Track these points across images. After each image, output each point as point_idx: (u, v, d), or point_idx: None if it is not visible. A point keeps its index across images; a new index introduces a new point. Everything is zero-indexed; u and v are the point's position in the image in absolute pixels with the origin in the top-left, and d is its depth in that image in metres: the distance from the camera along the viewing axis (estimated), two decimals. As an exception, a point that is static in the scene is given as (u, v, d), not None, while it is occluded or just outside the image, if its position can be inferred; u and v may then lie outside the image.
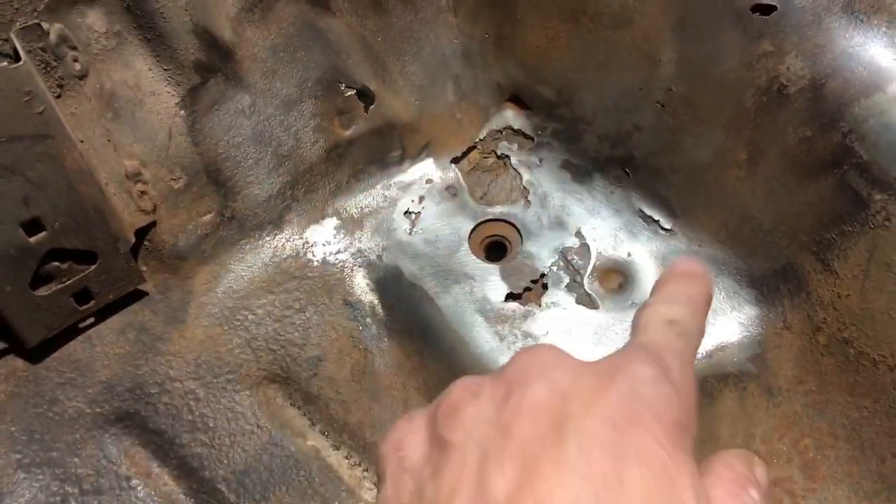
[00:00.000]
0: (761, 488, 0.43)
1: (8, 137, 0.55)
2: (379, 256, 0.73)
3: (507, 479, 0.34)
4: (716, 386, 0.63)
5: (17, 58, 0.56)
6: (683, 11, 0.64)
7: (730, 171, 0.66)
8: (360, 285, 0.72)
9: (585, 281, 0.70)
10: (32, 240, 0.59)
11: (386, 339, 0.70)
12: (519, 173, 0.78)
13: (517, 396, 0.36)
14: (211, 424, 0.66)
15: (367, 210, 0.76)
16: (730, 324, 0.66)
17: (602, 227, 0.73)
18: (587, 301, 0.69)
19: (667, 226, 0.71)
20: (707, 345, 0.66)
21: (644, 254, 0.71)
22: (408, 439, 0.40)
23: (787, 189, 0.63)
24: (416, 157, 0.78)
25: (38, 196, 0.58)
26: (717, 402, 0.63)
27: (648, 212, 0.72)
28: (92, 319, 0.67)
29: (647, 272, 0.70)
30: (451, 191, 0.77)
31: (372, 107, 0.74)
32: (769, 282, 0.66)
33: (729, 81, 0.63)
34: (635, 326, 0.43)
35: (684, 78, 0.66)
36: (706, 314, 0.45)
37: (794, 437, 0.61)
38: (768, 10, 0.60)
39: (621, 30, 0.68)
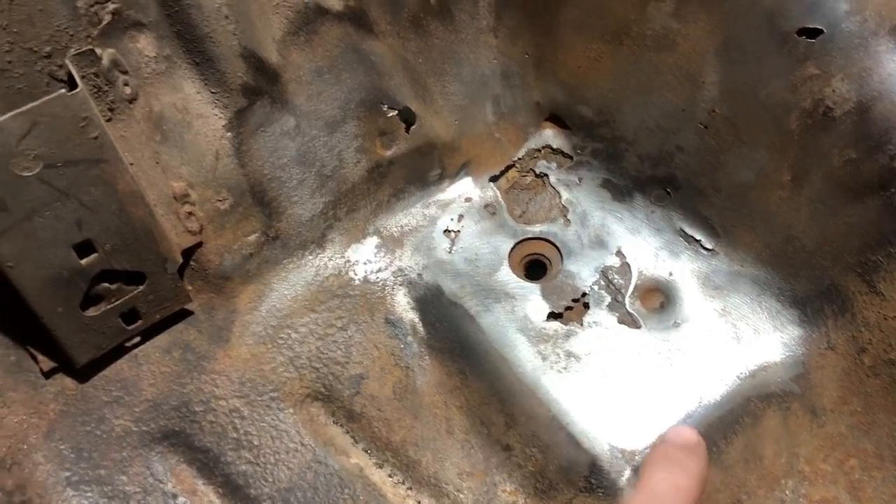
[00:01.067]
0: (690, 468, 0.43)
1: (64, 162, 0.56)
2: (419, 275, 0.74)
3: None
4: (759, 406, 0.63)
5: (71, 83, 0.57)
6: (727, 34, 0.64)
7: (773, 192, 0.66)
8: (402, 304, 0.72)
9: (627, 300, 0.70)
10: (84, 262, 0.60)
11: (427, 357, 0.70)
12: (558, 192, 0.78)
13: None
14: (255, 442, 0.66)
15: (407, 229, 0.76)
16: (773, 344, 0.66)
17: (643, 246, 0.73)
18: (629, 320, 0.69)
19: (708, 245, 0.71)
20: (750, 364, 0.66)
21: (686, 273, 0.71)
22: None
23: (831, 210, 0.63)
24: (455, 176, 0.79)
25: (90, 219, 0.58)
26: (761, 421, 0.63)
27: (690, 231, 0.72)
28: (139, 339, 0.67)
29: (689, 292, 0.70)
30: (490, 209, 0.78)
31: (413, 127, 0.75)
32: (813, 302, 0.66)
33: (773, 104, 0.64)
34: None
35: (728, 100, 0.66)
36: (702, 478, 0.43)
37: (840, 457, 0.61)
38: (815, 33, 0.60)
39: (664, 52, 0.68)
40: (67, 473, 0.64)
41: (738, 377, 0.65)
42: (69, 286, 0.60)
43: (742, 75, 0.65)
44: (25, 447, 0.64)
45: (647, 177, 0.75)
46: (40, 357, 0.64)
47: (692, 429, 0.45)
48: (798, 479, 0.61)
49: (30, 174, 0.55)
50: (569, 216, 0.76)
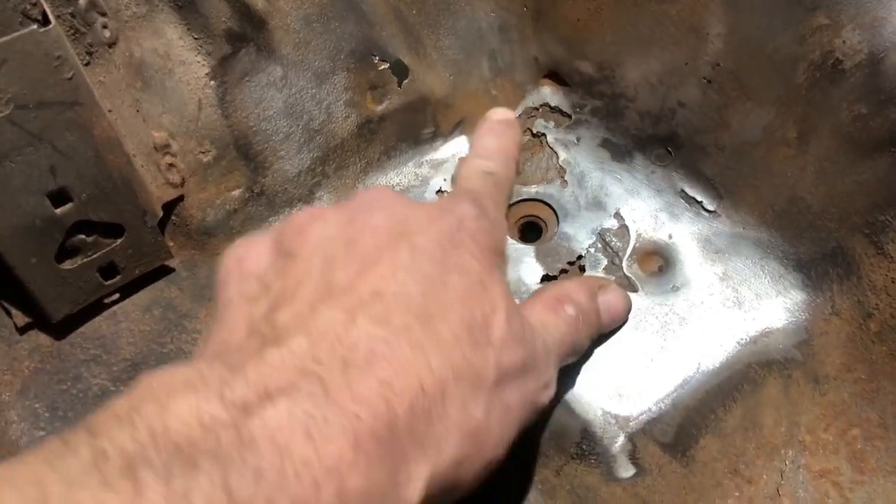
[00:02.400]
0: (590, 310, 0.55)
1: (36, 104, 0.53)
2: (411, 235, 0.71)
3: (347, 273, 0.39)
4: (759, 373, 0.61)
5: (45, 22, 0.55)
6: (735, -18, 0.62)
7: (778, 150, 0.63)
8: (391, 265, 0.70)
9: (624, 263, 0.68)
10: (59, 211, 0.57)
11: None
12: (555, 152, 0.75)
13: (360, 219, 0.43)
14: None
15: (398, 188, 0.74)
16: (775, 309, 0.64)
17: (642, 207, 0.71)
18: (626, 284, 0.67)
19: (710, 207, 0.68)
20: (751, 330, 0.63)
21: (686, 236, 0.68)
22: (252, 253, 0.44)
23: (839, 168, 0.61)
24: (449, 134, 0.76)
25: (65, 166, 0.56)
26: (761, 389, 0.61)
27: (691, 192, 0.69)
28: (117, 295, 0.65)
29: (689, 255, 0.67)
30: (484, 169, 0.75)
31: (405, 81, 0.72)
32: (817, 266, 0.63)
33: (780, 57, 0.61)
34: (457, 177, 0.52)
35: (733, 53, 0.63)
36: (517, 161, 0.55)
37: (842, 427, 0.59)
38: (825, -20, 0.58)
39: (667, 2, 0.65)
40: (41, 433, 0.61)
41: (738, 343, 0.63)
42: (43, 236, 0.57)
43: (748, 27, 0.62)
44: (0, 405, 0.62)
45: (648, 135, 0.72)
46: (14, 311, 0.62)
47: (506, 109, 0.58)
48: (798, 448, 0.58)
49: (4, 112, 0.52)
50: (566, 177, 0.74)
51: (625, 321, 0.62)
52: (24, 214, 0.56)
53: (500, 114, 0.57)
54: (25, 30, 0.52)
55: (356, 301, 0.38)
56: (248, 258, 0.43)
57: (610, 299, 0.59)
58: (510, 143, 0.55)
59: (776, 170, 0.64)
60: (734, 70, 0.64)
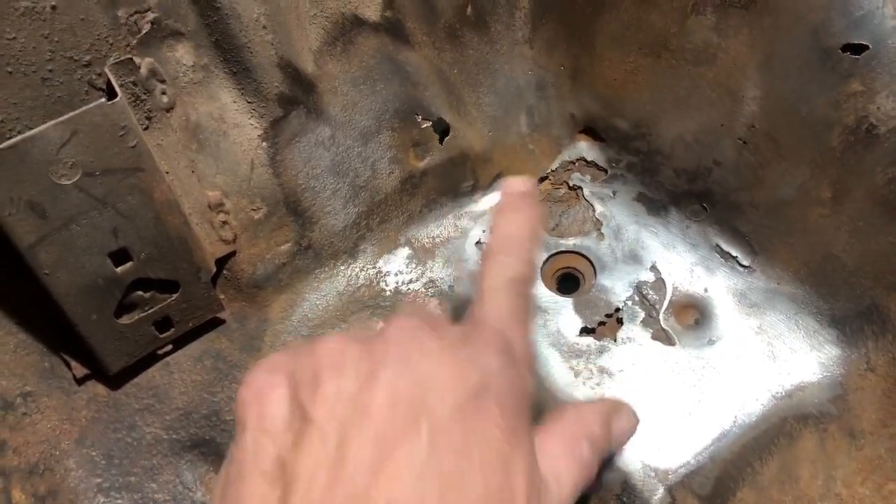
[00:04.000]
0: (603, 441, 0.51)
1: (102, 171, 0.56)
2: (451, 287, 0.73)
3: (364, 464, 0.37)
4: (795, 426, 0.62)
5: (111, 92, 0.58)
6: (769, 49, 0.63)
7: (813, 209, 0.65)
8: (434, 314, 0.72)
9: (661, 316, 0.70)
10: (119, 270, 0.60)
11: (458, 370, 0.69)
12: (592, 205, 0.77)
13: (379, 379, 0.39)
14: (285, 452, 0.66)
15: (438, 240, 0.76)
16: (810, 364, 0.65)
17: (678, 261, 0.72)
18: (663, 337, 0.68)
19: (745, 262, 0.70)
20: (787, 384, 0.65)
21: (721, 290, 0.70)
22: (270, 395, 0.41)
23: (873, 229, 0.62)
24: (488, 187, 0.78)
25: (126, 227, 0.59)
26: (797, 442, 0.62)
27: (726, 247, 0.71)
28: (171, 347, 0.67)
29: (725, 309, 0.69)
30: (522, 222, 0.77)
31: (447, 138, 0.74)
32: (852, 322, 0.65)
33: (815, 120, 0.62)
34: (482, 283, 0.48)
35: (768, 115, 0.65)
36: (537, 238, 0.53)
37: (878, 481, 0.60)
38: (860, 49, 0.59)
39: (704, 66, 0.67)
40: (98, 480, 0.64)
41: (773, 397, 0.64)
42: (104, 294, 0.60)
43: (783, 91, 0.63)
44: (58, 453, 0.64)
45: (683, 191, 0.74)
46: (73, 363, 0.65)
47: (524, 179, 0.55)
48: (835, 502, 0.59)
49: (68, 182, 0.55)
50: (602, 230, 0.75)
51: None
52: (87, 274, 0.58)
53: (517, 185, 0.55)
54: (94, 103, 0.54)
55: None
56: (265, 398, 0.42)
57: (623, 426, 0.54)
58: (529, 221, 0.52)
59: (811, 228, 0.66)
60: (769, 131, 0.65)
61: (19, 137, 0.52)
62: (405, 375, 0.40)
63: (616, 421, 0.54)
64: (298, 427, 0.40)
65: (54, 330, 0.64)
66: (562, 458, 0.47)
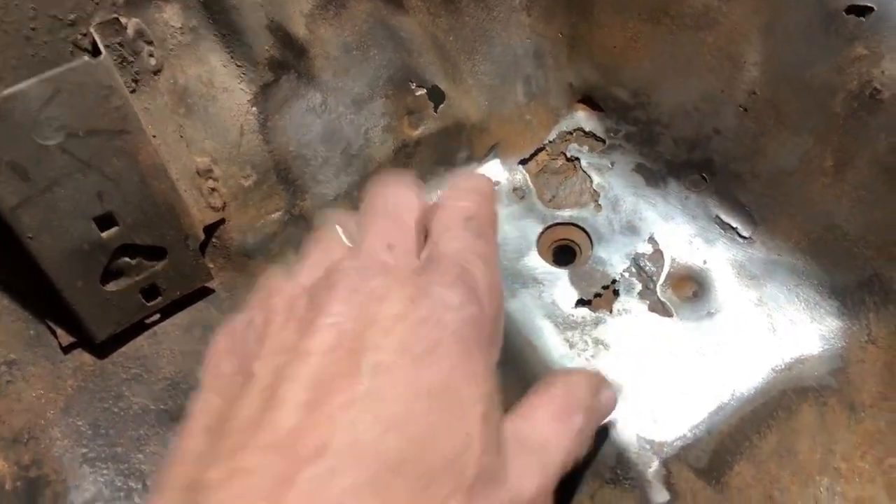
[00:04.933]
0: (594, 412, 0.49)
1: (86, 132, 0.54)
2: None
3: (294, 408, 0.35)
4: (794, 400, 0.61)
5: (95, 52, 0.56)
6: (772, 13, 0.61)
7: (815, 179, 0.63)
8: (426, 287, 0.71)
9: (658, 288, 0.68)
10: (105, 235, 0.59)
11: (450, 342, 0.68)
12: (589, 176, 0.76)
13: (318, 322, 0.38)
14: (273, 424, 0.65)
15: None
16: (810, 336, 0.64)
17: (677, 232, 0.71)
18: (660, 309, 0.67)
19: (745, 233, 0.69)
20: (786, 357, 0.63)
21: (720, 262, 0.69)
22: (223, 356, 0.42)
23: (876, 197, 0.61)
24: (483, 158, 0.77)
25: (112, 191, 0.57)
26: (796, 416, 0.61)
27: (726, 219, 0.70)
28: (158, 316, 0.66)
29: (724, 280, 0.68)
30: (518, 193, 0.76)
31: (441, 106, 0.73)
32: (853, 294, 0.63)
33: (817, 86, 0.61)
34: (433, 232, 0.45)
35: (770, 81, 0.64)
36: (495, 203, 0.49)
37: (878, 455, 0.59)
38: (864, 11, 0.58)
39: (704, 31, 0.66)
40: (84, 450, 0.63)
41: (773, 369, 0.63)
42: (89, 259, 0.59)
43: (786, 56, 0.62)
44: (43, 422, 0.63)
45: (683, 161, 0.72)
46: (59, 331, 0.63)
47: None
48: (833, 476, 0.58)
49: (52, 143, 0.54)
50: (600, 201, 0.74)
51: None
52: (71, 238, 0.57)
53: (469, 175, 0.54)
54: (78, 61, 0.53)
55: (294, 457, 0.33)
56: (218, 361, 0.42)
57: (607, 398, 0.52)
58: (486, 184, 0.50)
59: (812, 198, 0.64)
60: (771, 98, 0.64)
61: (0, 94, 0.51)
62: (346, 315, 0.38)
63: (602, 392, 0.51)
64: (242, 382, 0.38)
65: (39, 297, 0.62)
66: (551, 423, 0.45)
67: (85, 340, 0.64)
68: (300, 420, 0.34)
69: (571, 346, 0.66)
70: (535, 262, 0.71)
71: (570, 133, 0.78)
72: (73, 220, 0.57)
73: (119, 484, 0.63)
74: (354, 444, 0.33)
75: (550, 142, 0.78)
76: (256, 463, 0.33)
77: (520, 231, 0.73)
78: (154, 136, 0.60)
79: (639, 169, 0.75)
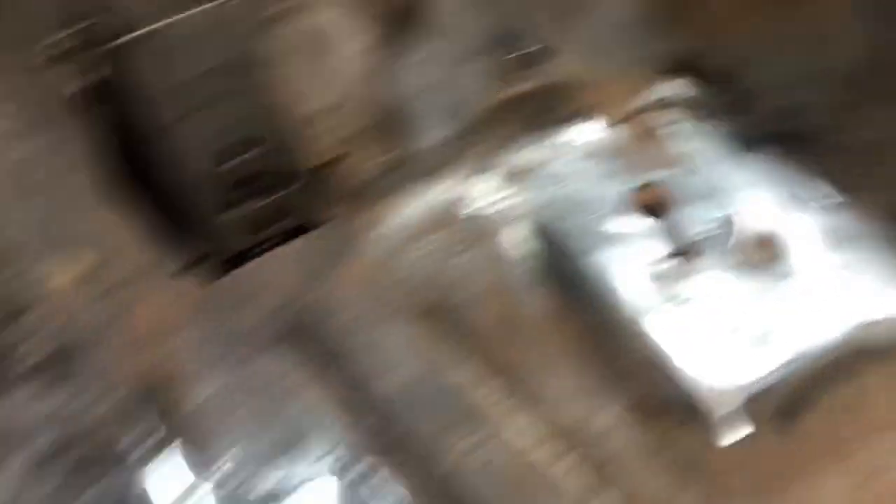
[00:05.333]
0: None
1: (234, 64, 0.60)
2: (539, 209, 0.77)
3: None
4: (867, 359, 0.64)
5: (240, -6, 0.62)
6: (874, -10, 0.65)
7: (905, 151, 0.67)
8: (519, 234, 0.76)
9: (742, 248, 0.72)
10: (238, 160, 0.65)
11: (540, 287, 0.73)
12: (683, 139, 0.80)
13: None
14: (374, 347, 0.71)
15: (529, 163, 0.79)
16: (889, 301, 0.67)
17: (763, 197, 0.74)
18: (742, 267, 0.71)
19: (831, 201, 0.71)
20: (861, 319, 0.66)
21: (805, 226, 0.72)
22: None
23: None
24: (581, 116, 0.81)
25: (250, 120, 0.64)
26: (867, 373, 0.64)
27: (814, 186, 0.73)
28: (276, 241, 0.73)
29: (806, 244, 0.71)
30: (612, 152, 0.80)
31: (545, 65, 0.77)
32: (936, 264, 0.66)
33: (914, 61, 0.64)
34: None
35: (868, 57, 0.66)
36: None
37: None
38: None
39: (806, 5, 0.68)
40: (201, 356, 0.69)
41: (848, 329, 0.66)
42: (222, 182, 0.65)
43: (886, 34, 0.65)
44: (165, 330, 0.70)
45: (775, 130, 0.75)
46: (186, 249, 0.70)
47: None
48: (898, 432, 0.61)
49: (202, 70, 0.60)
50: (691, 164, 0.78)
51: None
52: (209, 160, 0.64)
53: None
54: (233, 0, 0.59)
55: None
56: None
57: None
58: None
59: (901, 170, 0.67)
60: (866, 73, 0.67)
61: (165, 22, 0.57)
62: None
63: None
64: None
65: (174, 216, 0.69)
66: None
67: (208, 258, 0.71)
68: None
69: (653, 296, 0.70)
70: (625, 219, 0.75)
71: (667, 98, 0.82)
72: (212, 143, 0.63)
73: (231, 390, 0.69)
74: None
75: (647, 105, 0.81)
76: None
77: (611, 188, 0.77)
78: (287, 76, 0.65)
79: (731, 135, 0.78)
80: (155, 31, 0.57)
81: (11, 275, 0.60)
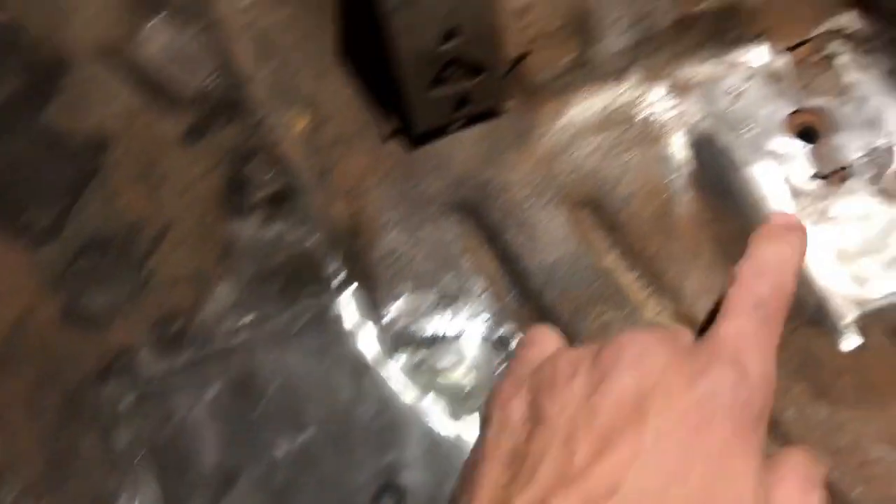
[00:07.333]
0: (823, 491, 0.48)
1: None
2: (699, 121, 0.83)
3: (586, 453, 0.40)
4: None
5: None
6: None
7: None
8: (678, 143, 0.83)
9: (887, 177, 0.77)
10: (445, 46, 0.74)
11: (691, 190, 0.80)
12: (845, 71, 0.83)
13: (609, 382, 0.43)
14: (532, 227, 0.80)
15: (697, 79, 0.85)
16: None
17: (917, 135, 0.78)
18: (885, 195, 0.76)
19: None
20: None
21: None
22: (512, 401, 0.47)
23: None
24: (751, 40, 0.86)
25: (460, 10, 0.72)
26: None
27: (968, 128, 0.77)
28: (462, 122, 0.83)
29: (952, 184, 0.76)
30: (776, 76, 0.84)
31: (725, -12, 0.83)
32: None
33: None
34: (723, 306, 0.48)
35: None
36: (797, 274, 0.51)
37: None
38: None
39: None
40: (390, 214, 0.81)
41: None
42: (429, 64, 0.75)
43: None
44: (364, 186, 0.82)
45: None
46: (387, 119, 0.81)
47: (791, 215, 0.56)
48: None
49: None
50: (850, 94, 0.82)
51: None
52: (423, 43, 0.73)
53: (783, 217, 0.55)
54: None
55: (591, 493, 0.38)
56: (508, 406, 0.47)
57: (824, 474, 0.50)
58: (791, 255, 0.51)
59: None
60: None
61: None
62: (633, 379, 0.42)
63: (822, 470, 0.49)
64: (533, 426, 0.44)
65: (378, 89, 0.80)
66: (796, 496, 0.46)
67: (404, 131, 0.81)
68: (593, 465, 0.39)
69: (799, 210, 0.76)
70: (779, 139, 0.81)
71: (837, 31, 0.85)
72: (429, 27, 0.72)
73: (409, 247, 0.81)
74: (642, 490, 0.38)
75: (817, 35, 0.85)
76: (559, 497, 0.39)
77: (770, 109, 0.83)
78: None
79: (892, 73, 0.82)
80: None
81: (252, 122, 0.73)
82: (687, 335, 0.50)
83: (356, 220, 0.80)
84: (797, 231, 0.53)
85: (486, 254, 0.81)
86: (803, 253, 0.53)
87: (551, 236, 0.81)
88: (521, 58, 0.81)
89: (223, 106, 0.70)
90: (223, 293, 0.75)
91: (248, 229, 0.74)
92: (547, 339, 0.56)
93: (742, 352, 0.44)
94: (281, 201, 0.75)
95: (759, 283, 0.49)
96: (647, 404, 0.41)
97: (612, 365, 0.44)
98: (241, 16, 0.70)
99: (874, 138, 0.79)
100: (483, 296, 0.79)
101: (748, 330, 0.46)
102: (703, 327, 0.50)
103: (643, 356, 0.44)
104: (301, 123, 0.76)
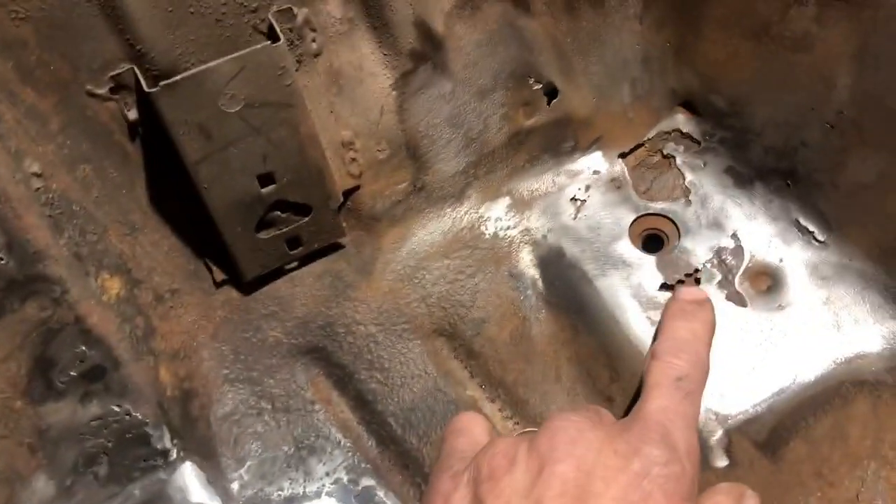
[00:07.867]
0: None
1: (260, 104, 0.65)
2: (544, 236, 0.81)
3: None
4: (851, 390, 0.68)
5: (272, 36, 0.67)
6: (864, 42, 0.67)
7: (890, 195, 0.70)
8: (525, 260, 0.80)
9: (737, 280, 0.76)
10: (264, 190, 0.70)
11: (544, 310, 0.77)
12: (682, 173, 0.83)
13: (547, 472, 0.43)
14: (386, 365, 0.76)
15: (537, 193, 0.83)
16: (872, 336, 0.71)
17: (758, 232, 0.78)
18: (736, 299, 0.75)
19: (821, 238, 0.75)
20: (847, 352, 0.70)
21: (795, 261, 0.76)
22: (453, 499, 0.46)
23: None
24: (586, 149, 0.85)
25: (274, 154, 0.68)
26: (851, 405, 0.67)
27: (804, 223, 0.76)
28: (297, 263, 0.77)
29: (797, 279, 0.75)
30: (615, 183, 0.84)
31: (554, 101, 0.81)
32: (918, 302, 0.70)
33: (900, 110, 0.67)
34: (647, 380, 0.50)
35: (856, 103, 0.70)
36: (710, 346, 0.54)
37: (925, 448, 0.65)
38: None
39: (801, 53, 0.72)
40: (226, 371, 0.75)
41: (833, 361, 0.70)
42: (249, 210, 0.70)
43: (873, 82, 0.68)
44: (195, 344, 0.75)
45: (770, 168, 0.79)
46: (214, 269, 0.75)
47: (698, 288, 0.58)
48: (881, 462, 0.65)
49: (232, 111, 0.64)
50: (690, 197, 0.82)
51: None
52: (237, 191, 0.68)
53: (691, 294, 0.56)
54: (261, 45, 0.64)
55: None
56: (451, 499, 0.46)
57: None
58: (702, 330, 0.54)
59: (887, 212, 0.70)
60: (856, 119, 0.70)
61: (199, 69, 0.62)
62: (571, 466, 0.43)
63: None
64: None
65: (201, 239, 0.74)
66: None
67: (235, 278, 0.76)
68: None
69: (652, 323, 0.74)
70: (626, 248, 0.79)
71: (669, 133, 0.85)
72: (240, 175, 0.68)
73: (252, 403, 0.74)
74: None
75: (649, 139, 0.85)
76: None
77: (614, 218, 0.82)
78: (310, 110, 0.70)
79: (728, 171, 0.82)
80: (187, 77, 0.61)
81: (53, 296, 0.65)
82: (608, 414, 0.50)
83: (188, 384, 0.73)
84: (705, 305, 0.55)
85: (339, 400, 0.75)
86: (714, 325, 0.55)
87: (407, 372, 0.76)
88: (353, 190, 0.77)
89: (17, 284, 0.62)
90: (40, 487, 0.66)
91: (63, 412, 0.66)
92: (476, 426, 0.55)
93: (669, 427, 0.46)
94: (97, 377, 0.67)
95: (677, 360, 0.51)
96: (588, 489, 0.42)
97: (548, 453, 0.45)
98: (32, 180, 0.63)
99: (719, 239, 0.79)
100: (339, 448, 0.73)
101: (672, 406, 0.48)
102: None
103: (576, 442, 0.45)
104: (113, 288, 0.68)
